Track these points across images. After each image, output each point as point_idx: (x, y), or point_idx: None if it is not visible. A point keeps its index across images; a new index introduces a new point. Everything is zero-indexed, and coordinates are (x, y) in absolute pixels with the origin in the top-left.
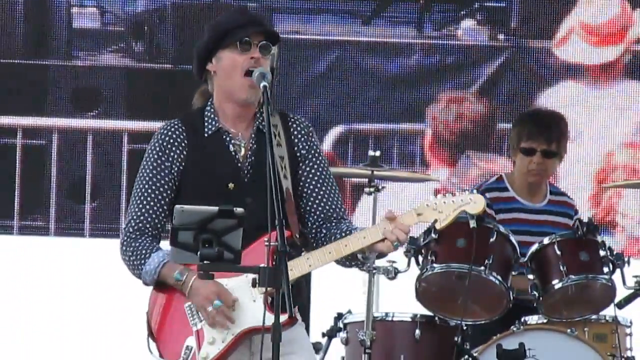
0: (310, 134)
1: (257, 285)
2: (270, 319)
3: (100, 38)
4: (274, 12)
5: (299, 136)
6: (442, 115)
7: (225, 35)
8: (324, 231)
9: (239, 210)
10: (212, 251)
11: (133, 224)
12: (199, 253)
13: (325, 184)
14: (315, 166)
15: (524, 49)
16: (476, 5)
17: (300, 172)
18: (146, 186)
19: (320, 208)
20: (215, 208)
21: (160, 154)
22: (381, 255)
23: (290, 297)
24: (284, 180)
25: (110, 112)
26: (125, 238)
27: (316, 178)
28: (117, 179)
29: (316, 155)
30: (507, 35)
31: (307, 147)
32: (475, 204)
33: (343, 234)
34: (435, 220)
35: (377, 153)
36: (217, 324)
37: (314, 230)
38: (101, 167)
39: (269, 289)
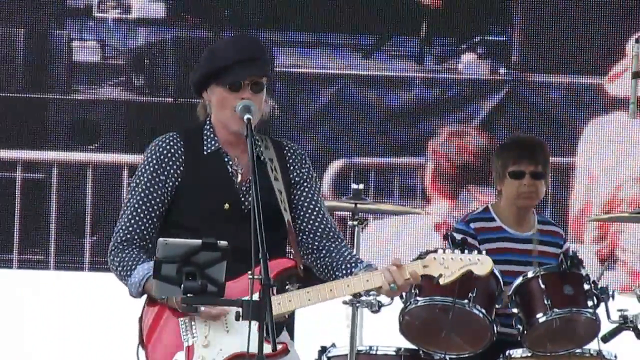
0: (304, 160)
1: (240, 318)
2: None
3: (100, 71)
4: (274, 46)
5: (294, 163)
6: (443, 149)
7: (216, 73)
8: (323, 251)
9: (223, 243)
10: (195, 284)
11: (121, 235)
12: (182, 286)
13: (319, 206)
14: (308, 188)
15: (525, 82)
16: (477, 39)
17: (292, 197)
18: (138, 198)
19: (315, 228)
20: (199, 241)
21: (156, 167)
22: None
23: (274, 330)
24: (284, 212)
25: (110, 145)
26: (113, 248)
27: (309, 199)
28: (117, 212)
29: (309, 179)
30: (508, 69)
31: (300, 174)
32: (483, 265)
33: (345, 267)
34: (440, 275)
35: (361, 186)
36: (216, 316)
37: (315, 251)
38: (101, 200)
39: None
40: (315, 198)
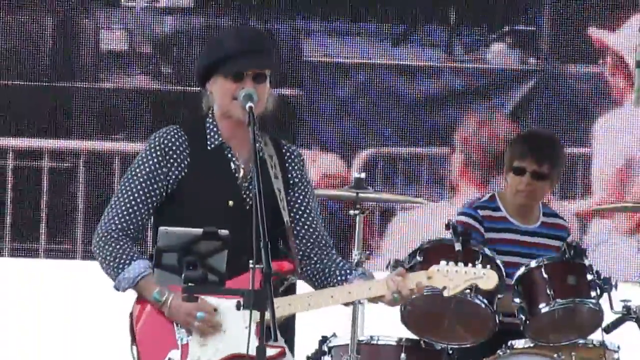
0: (302, 163)
1: (241, 307)
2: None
3: (127, 60)
4: (302, 35)
5: (293, 164)
6: (473, 138)
7: (219, 63)
8: (314, 258)
9: (224, 232)
10: (196, 273)
11: (117, 222)
12: (183, 275)
13: (314, 212)
14: (304, 193)
15: (555, 72)
16: (506, 29)
17: (289, 198)
18: (139, 187)
19: (309, 234)
20: (200, 230)
21: (160, 157)
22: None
23: (275, 319)
24: (283, 212)
25: (137, 134)
26: (106, 235)
27: (305, 204)
28: None
29: (306, 183)
30: (538, 59)
31: (299, 176)
32: (488, 279)
33: (340, 273)
34: (444, 288)
35: (362, 175)
36: (209, 333)
37: (305, 257)
38: None
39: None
40: (311, 203)
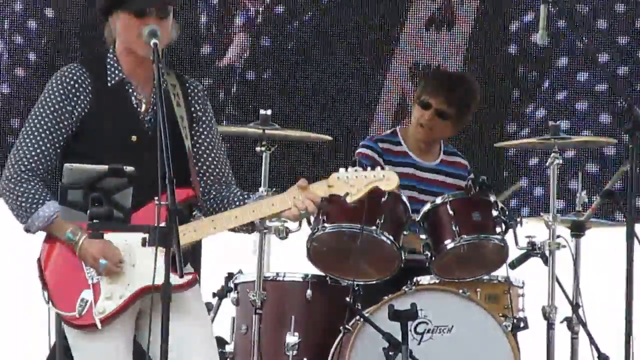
0: (206, 97)
1: (147, 244)
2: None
3: None
4: None
5: (196, 98)
6: None
7: (118, 1)
8: (213, 193)
9: (129, 168)
10: (101, 210)
11: (25, 163)
12: (88, 212)
13: (216, 147)
14: (208, 129)
15: None
16: None
17: (193, 132)
18: (45, 127)
19: (210, 170)
20: (105, 167)
21: (63, 96)
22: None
23: (181, 257)
24: (185, 140)
25: None
26: (15, 176)
27: (208, 140)
28: None
29: (209, 118)
30: None
31: (202, 110)
32: (389, 180)
33: (238, 199)
34: (347, 194)
35: (269, 112)
36: (117, 273)
37: (205, 192)
38: None
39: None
40: (214, 140)
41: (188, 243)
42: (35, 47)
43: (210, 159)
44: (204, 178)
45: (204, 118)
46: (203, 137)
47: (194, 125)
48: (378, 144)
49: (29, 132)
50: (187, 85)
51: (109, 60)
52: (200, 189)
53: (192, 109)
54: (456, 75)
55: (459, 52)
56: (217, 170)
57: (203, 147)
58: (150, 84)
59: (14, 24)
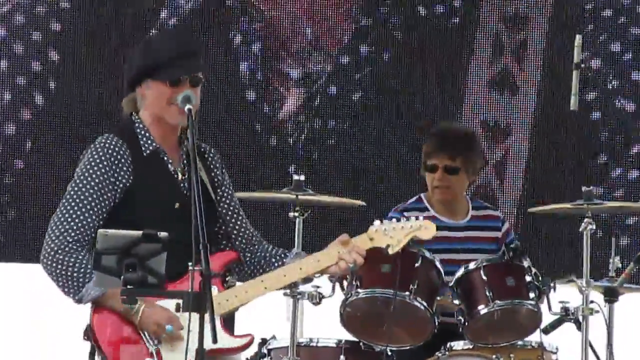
0: (222, 164)
1: (181, 310)
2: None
3: None
4: None
5: (215, 164)
6: None
7: (155, 68)
8: (249, 254)
9: (163, 234)
10: (135, 275)
11: (72, 234)
12: (122, 277)
13: (240, 209)
14: (228, 192)
15: None
16: None
17: (218, 197)
18: (90, 198)
19: (242, 232)
20: (139, 232)
21: (107, 167)
22: (309, 279)
23: (214, 321)
24: (216, 203)
25: None
26: (62, 247)
27: (233, 204)
28: None
29: (228, 183)
30: None
31: (221, 176)
32: (427, 229)
33: (275, 258)
34: (388, 246)
35: (302, 177)
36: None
37: (241, 251)
38: None
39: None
40: (235, 203)
41: (240, 304)
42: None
43: (238, 222)
44: (237, 242)
45: (225, 183)
46: (228, 201)
47: (218, 190)
48: (405, 214)
49: (74, 203)
50: (203, 150)
51: (138, 130)
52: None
53: (212, 174)
54: (446, 127)
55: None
56: (247, 232)
57: (230, 211)
58: (177, 150)
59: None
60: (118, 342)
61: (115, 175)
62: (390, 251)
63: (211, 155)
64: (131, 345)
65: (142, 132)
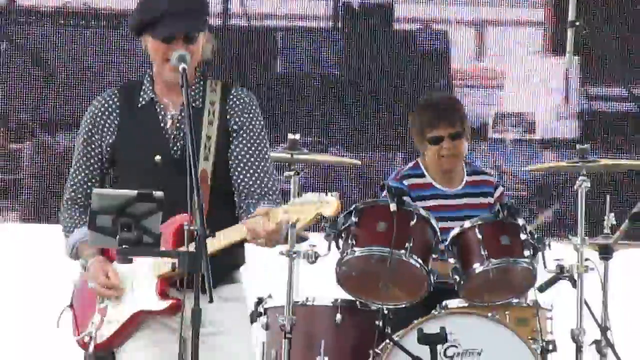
0: (247, 107)
1: (176, 269)
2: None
3: None
4: None
5: (234, 111)
6: None
7: (149, 23)
8: (243, 207)
9: (158, 193)
10: (131, 235)
11: (67, 194)
12: (117, 237)
13: (252, 159)
14: (245, 141)
15: None
16: None
17: (231, 147)
18: (78, 157)
19: (243, 183)
20: (134, 192)
21: (90, 126)
22: (302, 239)
23: (210, 281)
24: (203, 162)
25: None
26: (61, 206)
27: (243, 152)
28: None
29: (249, 129)
30: None
31: (239, 122)
32: (329, 204)
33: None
34: (297, 220)
35: (297, 136)
36: (115, 295)
37: (239, 205)
38: None
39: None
40: (248, 151)
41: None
42: None
43: (244, 172)
44: (237, 192)
45: (240, 131)
46: (238, 149)
47: (231, 139)
48: (404, 181)
49: (73, 164)
50: (230, 97)
51: (146, 81)
52: (236, 203)
53: (228, 123)
54: (435, 97)
55: None
56: (250, 182)
57: (237, 160)
58: (180, 101)
59: None
60: (79, 298)
61: (100, 132)
62: (298, 225)
63: (236, 101)
64: (88, 301)
65: (147, 84)
